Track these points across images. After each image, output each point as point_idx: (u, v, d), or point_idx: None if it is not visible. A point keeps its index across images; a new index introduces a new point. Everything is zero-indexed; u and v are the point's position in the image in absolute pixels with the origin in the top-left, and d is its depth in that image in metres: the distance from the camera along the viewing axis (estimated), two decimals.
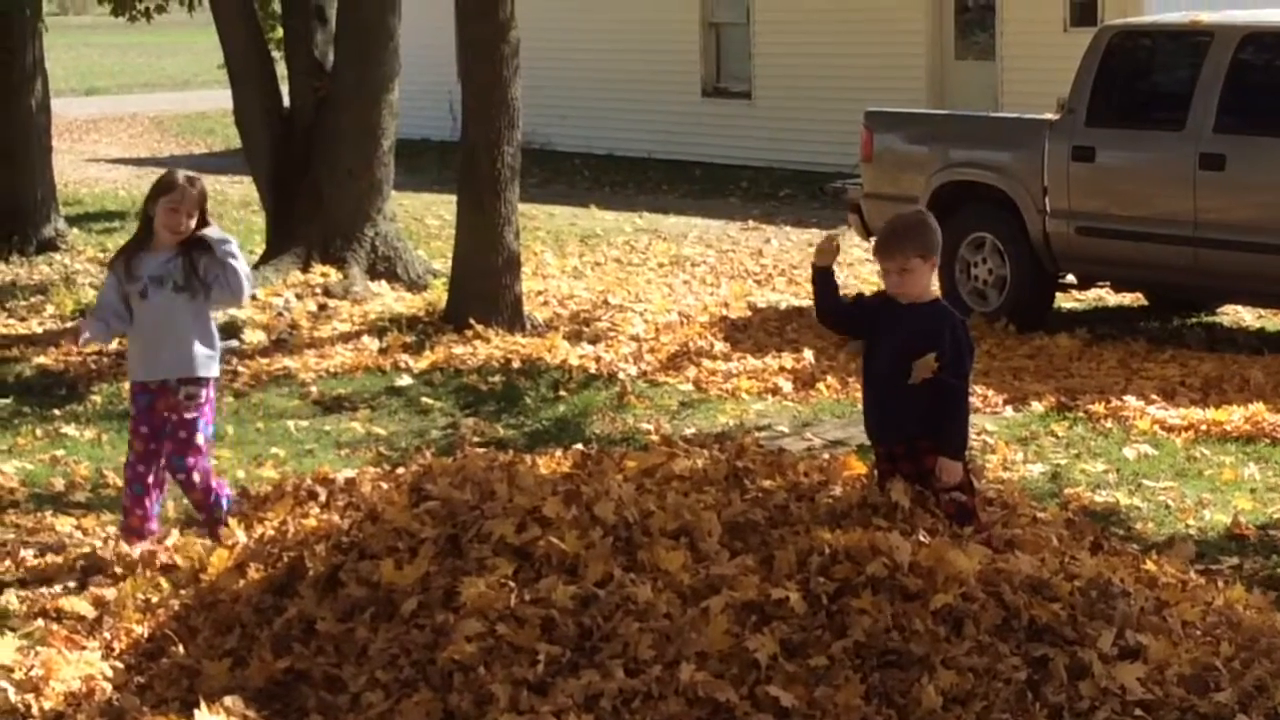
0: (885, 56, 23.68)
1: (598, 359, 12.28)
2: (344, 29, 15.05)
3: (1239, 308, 13.77)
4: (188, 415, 8.01)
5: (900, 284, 6.86)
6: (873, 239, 14.62)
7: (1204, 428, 10.11)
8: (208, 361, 8.03)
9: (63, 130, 27.18)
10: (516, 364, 12.10)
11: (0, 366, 12.72)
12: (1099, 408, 10.55)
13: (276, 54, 16.87)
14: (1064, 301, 14.05)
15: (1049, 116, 13.60)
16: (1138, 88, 13.28)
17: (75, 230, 19.89)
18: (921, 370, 6.67)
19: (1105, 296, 14.29)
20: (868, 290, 15.06)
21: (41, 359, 12.82)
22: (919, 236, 6.88)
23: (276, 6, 17.85)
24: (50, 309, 15.06)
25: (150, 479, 8.03)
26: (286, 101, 15.83)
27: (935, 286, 7.09)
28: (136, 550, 7.66)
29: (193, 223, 7.88)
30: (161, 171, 8.44)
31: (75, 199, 22.90)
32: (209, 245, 7.88)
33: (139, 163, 28.39)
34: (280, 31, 17.21)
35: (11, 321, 14.65)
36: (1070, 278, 13.63)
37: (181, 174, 7.99)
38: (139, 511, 7.99)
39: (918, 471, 6.78)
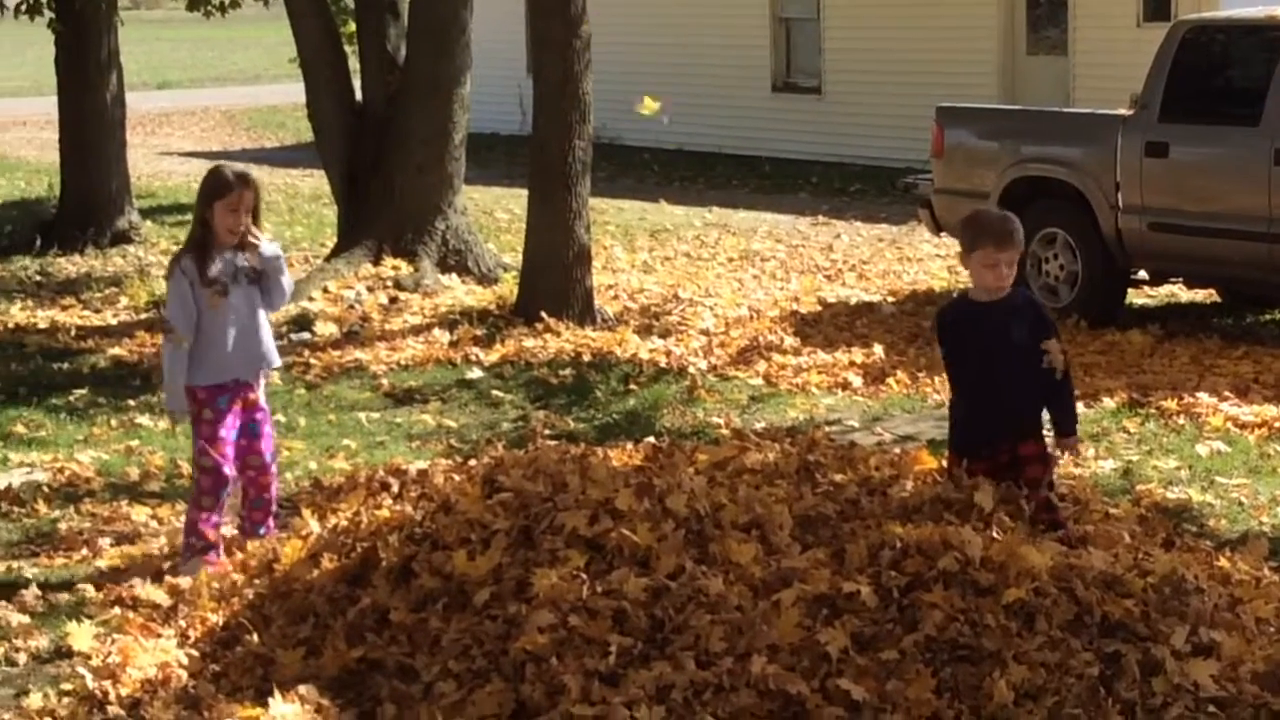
0: (956, 51, 23.61)
1: (668, 353, 12.29)
2: (416, 23, 15.09)
3: None
4: (264, 404, 8.04)
5: (1008, 276, 6.92)
6: (943, 234, 14.67)
7: (1277, 425, 10.04)
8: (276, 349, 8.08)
9: (136, 124, 27.36)
10: (587, 357, 12.13)
11: (76, 357, 12.84)
12: (1171, 404, 10.50)
13: (349, 48, 16.91)
14: (1136, 297, 13.99)
15: (1122, 112, 13.53)
16: (1212, 83, 13.19)
17: (148, 223, 20.03)
18: (1055, 355, 6.79)
19: (1177, 292, 14.21)
20: (937, 286, 15.10)
21: (116, 350, 12.95)
22: (1016, 233, 6.98)
23: (349, 1, 17.89)
24: (124, 300, 15.21)
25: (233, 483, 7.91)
26: (359, 95, 15.89)
27: None
28: (211, 567, 7.53)
29: (249, 218, 7.79)
30: (211, 166, 8.21)
31: (148, 192, 23.05)
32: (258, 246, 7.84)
33: (211, 156, 28.51)
34: (353, 26, 17.27)
35: (87, 313, 14.80)
36: (1142, 273, 13.57)
37: (232, 172, 7.83)
38: (210, 526, 7.77)
39: (1013, 461, 6.86)
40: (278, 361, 8.10)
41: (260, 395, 7.99)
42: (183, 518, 8.11)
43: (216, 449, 7.73)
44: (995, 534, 6.38)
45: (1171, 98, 12.81)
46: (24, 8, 19.36)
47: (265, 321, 7.96)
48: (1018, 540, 6.33)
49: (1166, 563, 6.51)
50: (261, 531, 7.90)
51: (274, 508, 8.08)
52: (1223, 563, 6.89)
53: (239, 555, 7.62)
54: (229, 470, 7.78)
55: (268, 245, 7.86)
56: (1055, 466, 7.09)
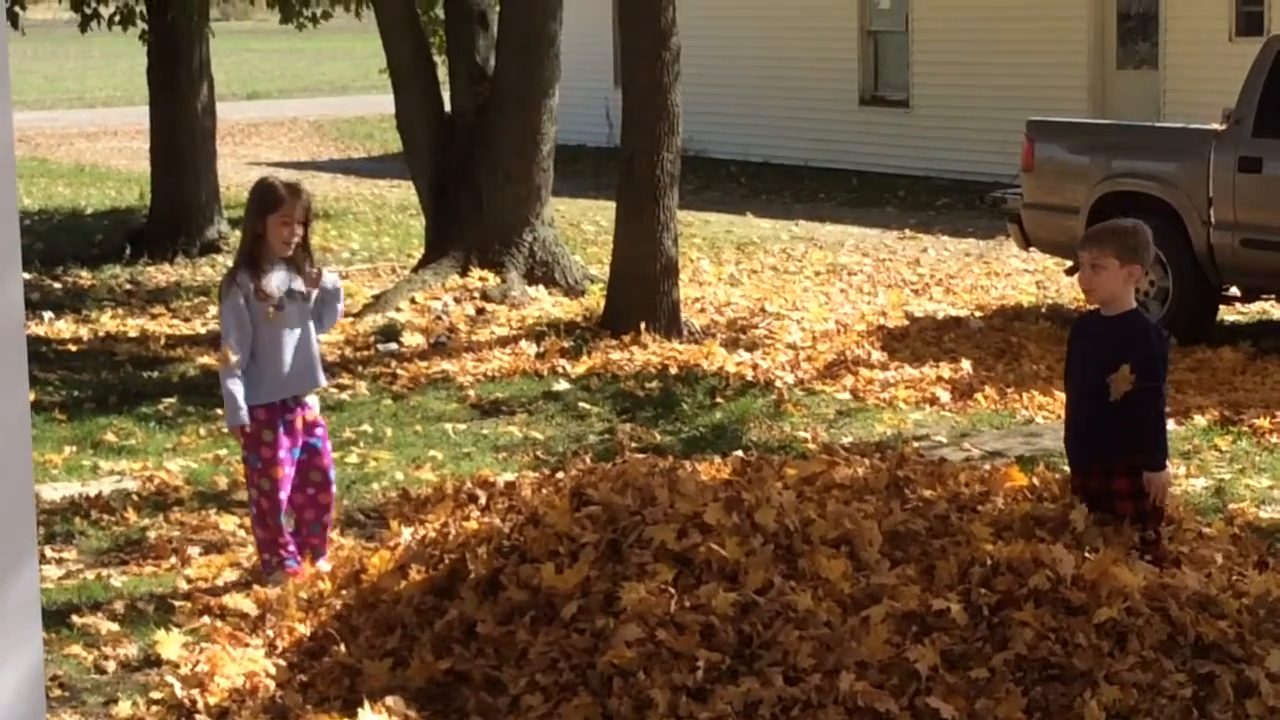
0: (1045, 65, 23.49)
1: (754, 366, 12.27)
2: (506, 34, 15.15)
3: None
4: (321, 422, 8.00)
5: (1090, 279, 6.83)
6: (1032, 249, 14.60)
7: None
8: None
9: (225, 134, 27.55)
10: (674, 370, 12.12)
11: (165, 366, 12.94)
12: (1264, 422, 10.40)
13: (438, 59, 16.98)
14: (1227, 314, 13.86)
15: (1214, 127, 13.42)
16: None
17: (237, 232, 20.10)
18: (1120, 384, 6.59)
19: (1270, 310, 14.08)
20: (1026, 301, 15.02)
21: (205, 359, 13.02)
22: (1121, 238, 6.85)
23: (440, 12, 17.95)
24: (213, 310, 15.27)
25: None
26: (448, 106, 15.95)
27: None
28: (296, 578, 7.49)
29: (302, 230, 7.71)
30: (258, 178, 8.18)
31: (237, 201, 23.09)
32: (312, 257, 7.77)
33: (299, 166, 28.72)
34: (443, 37, 17.33)
35: (176, 322, 14.91)
36: (1234, 290, 13.45)
37: (283, 183, 7.74)
38: (283, 539, 7.73)
39: (1106, 491, 6.72)
40: (323, 381, 8.01)
41: (316, 410, 7.96)
42: None
43: (276, 471, 7.67)
44: (1087, 553, 6.33)
45: (1265, 113, 12.70)
46: (117, 19, 19.56)
47: (315, 339, 7.90)
48: (1110, 559, 6.28)
49: (1261, 584, 6.46)
50: (320, 561, 7.78)
51: (330, 529, 8.03)
52: None
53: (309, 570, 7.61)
54: (283, 494, 7.71)
55: (329, 277, 7.83)
56: (1155, 506, 6.86)
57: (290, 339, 7.69)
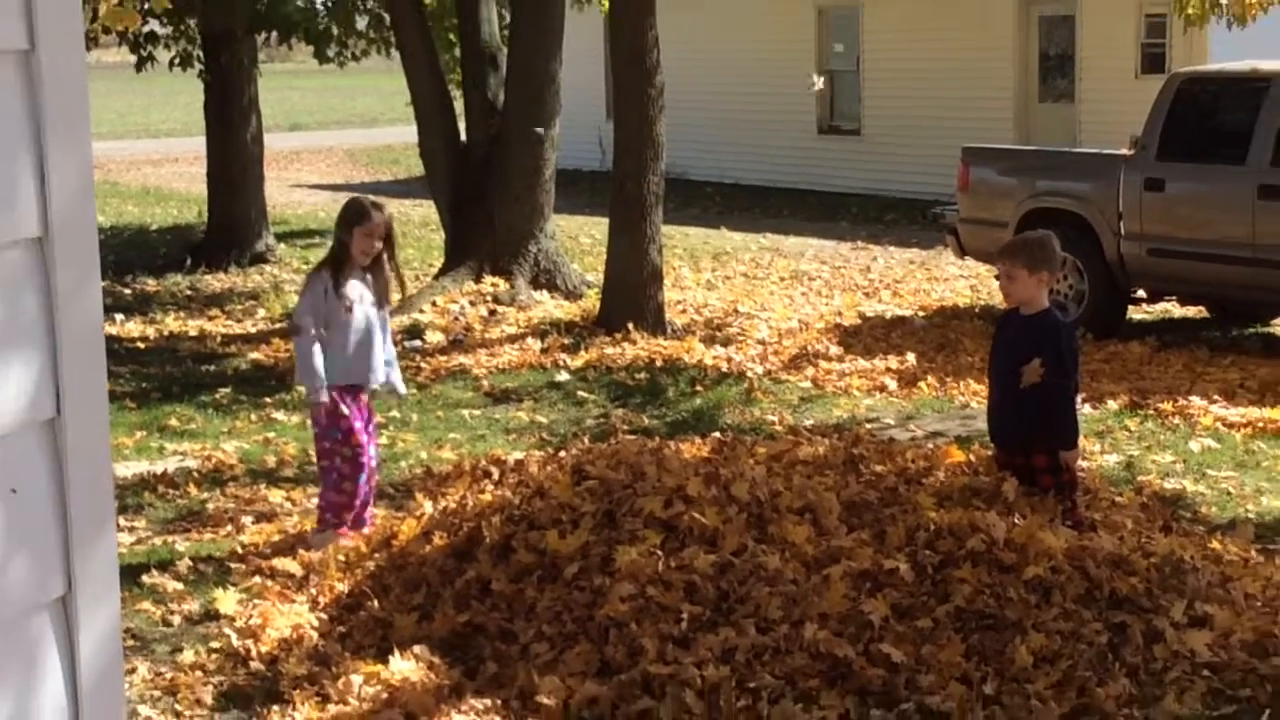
0: (977, 99, 23.49)
1: (729, 359, 12.26)
2: (514, 75, 15.12)
3: None
4: (374, 415, 7.99)
5: (1006, 286, 6.85)
6: (966, 258, 14.61)
7: (1261, 424, 9.93)
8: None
9: (271, 160, 27.42)
10: (659, 363, 12.11)
11: (221, 361, 12.91)
12: (1167, 406, 10.41)
13: (455, 94, 16.95)
14: (1135, 313, 13.86)
15: (1123, 152, 13.43)
16: (1203, 127, 13.06)
17: (282, 245, 20.13)
18: (1030, 375, 6.61)
19: (1171, 309, 14.08)
20: (961, 302, 15.02)
21: (255, 355, 13.01)
22: (1029, 251, 6.85)
23: (456, 54, 17.92)
24: (261, 312, 15.29)
25: None
26: (464, 136, 15.92)
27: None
28: (344, 540, 7.45)
29: (382, 244, 7.69)
30: (349, 196, 8.20)
31: (282, 219, 23.16)
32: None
33: (335, 188, 28.67)
34: (459, 75, 17.30)
35: (230, 323, 14.87)
36: (1141, 292, 13.45)
37: (370, 201, 7.76)
38: (352, 507, 7.67)
39: (1028, 467, 6.73)
40: (380, 380, 7.87)
41: (371, 403, 7.93)
42: (314, 500, 8.09)
43: (355, 439, 7.63)
44: (1017, 519, 6.34)
45: (1167, 140, 12.71)
46: (177, 60, 19.54)
47: (381, 342, 7.82)
48: (1036, 524, 6.29)
49: (1166, 545, 6.47)
50: (365, 526, 7.73)
51: (371, 505, 7.95)
52: (1214, 545, 6.83)
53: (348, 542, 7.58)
54: (364, 460, 7.65)
55: (400, 385, 8.02)
56: (1070, 479, 6.85)
57: (355, 336, 7.64)
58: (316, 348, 7.54)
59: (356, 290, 7.67)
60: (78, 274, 2.51)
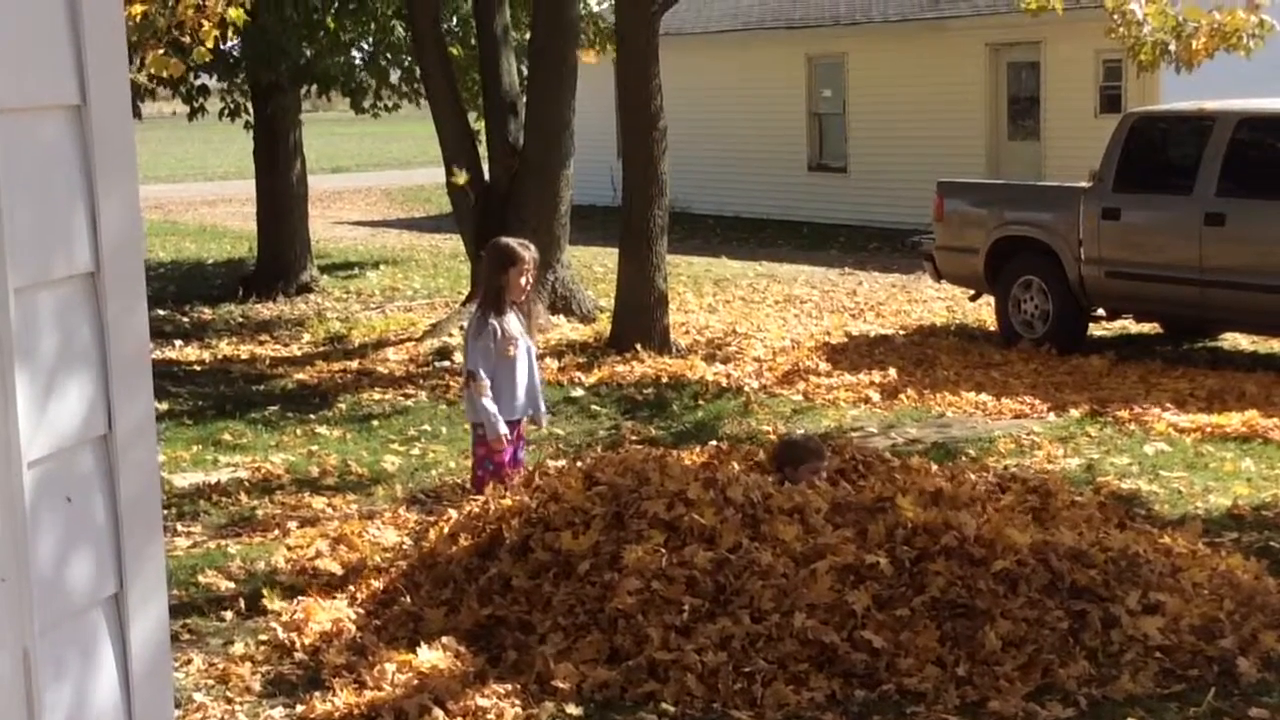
0: (952, 138, 23.49)
1: (728, 375, 12.26)
2: (532, 120, 15.14)
3: (1236, 334, 13.51)
4: (525, 436, 7.83)
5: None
6: (942, 281, 14.60)
7: (1209, 430, 9.93)
8: None
9: (315, 199, 27.49)
10: (665, 379, 12.11)
11: (269, 381, 12.93)
12: (1124, 414, 10.40)
13: (479, 134, 16.97)
14: (1095, 330, 13.84)
15: (1083, 184, 13.42)
16: (1154, 161, 13.06)
17: (325, 277, 20.16)
18: None
19: (1128, 326, 14.06)
20: (939, 321, 15.00)
21: (300, 375, 13.03)
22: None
23: (480, 102, 17.96)
24: (306, 337, 15.32)
25: None
26: (487, 176, 15.94)
27: None
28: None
29: (531, 280, 7.51)
30: (492, 240, 7.94)
31: (325, 253, 23.19)
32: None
33: (373, 224, 28.72)
34: (483, 121, 17.33)
35: (278, 346, 14.91)
36: (1100, 311, 13.43)
37: (518, 242, 7.52)
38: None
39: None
40: (544, 408, 7.70)
41: (525, 431, 7.77)
42: (353, 506, 8.18)
43: (503, 471, 7.38)
44: (987, 517, 6.34)
45: (1123, 173, 12.72)
46: (227, 112, 19.61)
47: (538, 373, 7.65)
48: (1003, 521, 6.29)
49: (1122, 539, 6.46)
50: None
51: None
52: (1166, 539, 6.82)
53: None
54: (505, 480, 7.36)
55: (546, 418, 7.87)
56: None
57: (521, 371, 7.48)
58: (493, 403, 7.34)
59: (516, 328, 7.48)
60: (126, 304, 2.52)
